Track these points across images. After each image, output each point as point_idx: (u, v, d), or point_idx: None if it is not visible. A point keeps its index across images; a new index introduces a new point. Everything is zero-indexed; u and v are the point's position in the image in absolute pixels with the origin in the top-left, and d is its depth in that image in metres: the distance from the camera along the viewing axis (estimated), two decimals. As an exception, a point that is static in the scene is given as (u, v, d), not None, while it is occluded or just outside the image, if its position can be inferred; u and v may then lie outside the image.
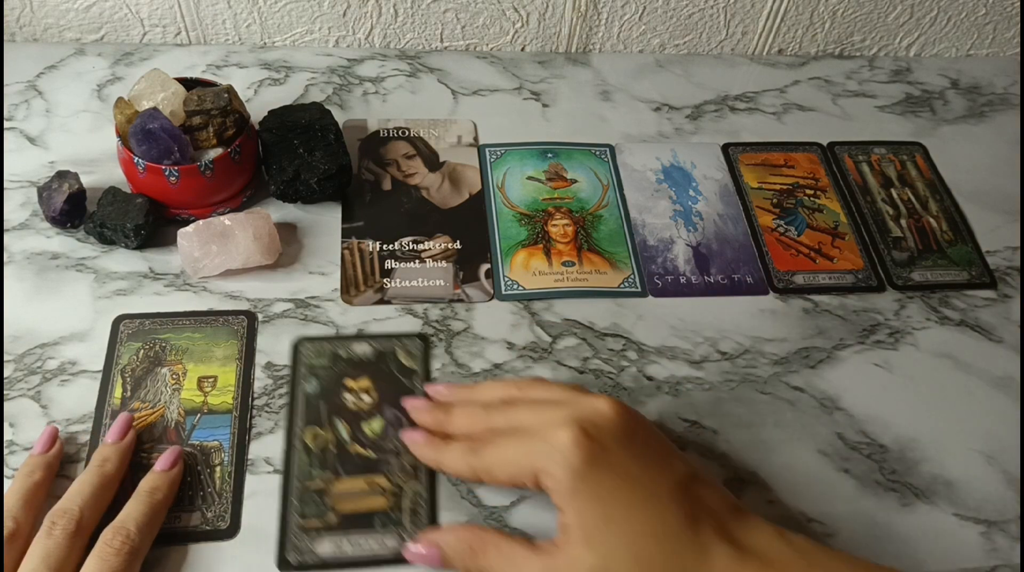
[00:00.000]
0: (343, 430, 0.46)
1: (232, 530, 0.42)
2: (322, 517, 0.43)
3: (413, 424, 0.45)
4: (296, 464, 0.44)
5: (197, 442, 0.45)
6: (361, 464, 0.45)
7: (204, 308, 0.50)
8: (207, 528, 0.42)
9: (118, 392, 0.46)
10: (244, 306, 0.51)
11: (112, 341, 0.48)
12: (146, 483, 0.41)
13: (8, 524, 0.38)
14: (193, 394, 0.46)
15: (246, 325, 0.49)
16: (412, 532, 0.43)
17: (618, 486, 0.36)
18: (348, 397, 0.47)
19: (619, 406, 0.39)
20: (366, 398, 0.47)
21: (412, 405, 0.46)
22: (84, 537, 0.38)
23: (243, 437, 0.45)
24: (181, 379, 0.47)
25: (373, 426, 0.46)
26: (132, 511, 0.39)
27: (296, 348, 0.49)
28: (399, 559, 0.42)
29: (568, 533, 0.36)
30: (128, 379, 0.46)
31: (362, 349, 0.49)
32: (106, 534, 0.38)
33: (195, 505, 0.42)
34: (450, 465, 0.41)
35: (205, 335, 0.49)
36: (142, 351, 0.48)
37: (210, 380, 0.47)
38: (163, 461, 0.42)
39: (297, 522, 0.43)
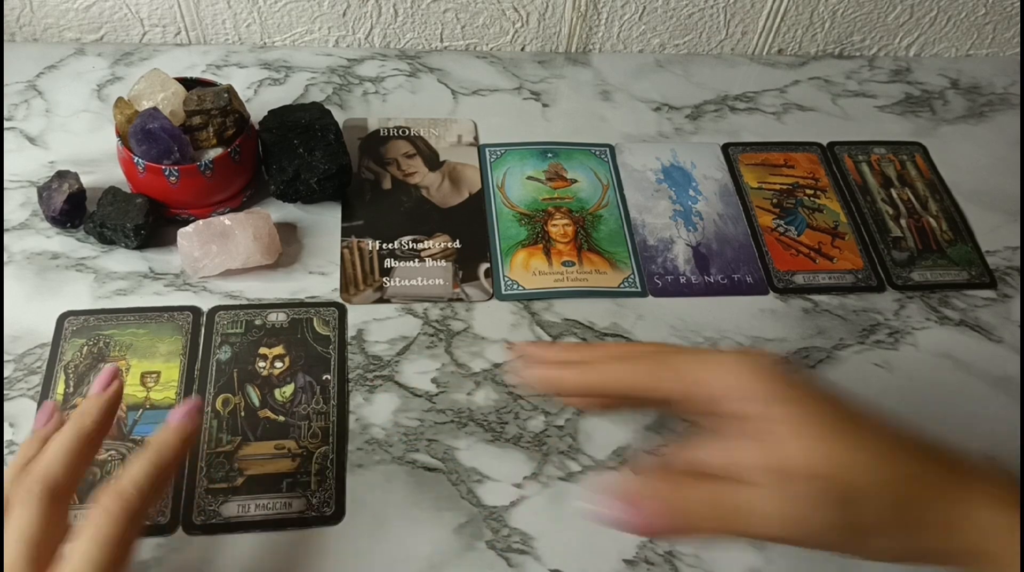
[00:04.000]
0: (254, 396, 0.47)
1: (172, 526, 0.42)
2: (229, 480, 0.43)
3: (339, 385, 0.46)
4: (204, 429, 0.45)
5: (139, 437, 0.44)
6: (270, 428, 0.46)
7: (203, 309, 0.50)
8: (146, 523, 0.41)
9: (60, 388, 0.46)
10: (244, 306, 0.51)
11: (56, 338, 0.48)
12: (153, 439, 0.36)
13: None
14: (135, 389, 0.46)
15: (191, 321, 0.49)
16: (318, 494, 0.43)
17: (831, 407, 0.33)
18: (261, 364, 0.48)
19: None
20: (279, 365, 0.48)
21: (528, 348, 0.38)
22: (63, 501, 0.34)
23: None
24: (124, 375, 0.46)
25: (285, 392, 0.47)
26: (132, 471, 0.34)
27: (210, 317, 0.49)
28: (303, 520, 0.42)
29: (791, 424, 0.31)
30: (71, 375, 0.46)
31: (277, 317, 0.50)
32: (101, 497, 0.33)
33: None
34: (593, 375, 0.34)
35: (149, 331, 0.49)
36: (86, 347, 0.47)
37: (153, 375, 0.47)
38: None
39: (204, 485, 0.43)
